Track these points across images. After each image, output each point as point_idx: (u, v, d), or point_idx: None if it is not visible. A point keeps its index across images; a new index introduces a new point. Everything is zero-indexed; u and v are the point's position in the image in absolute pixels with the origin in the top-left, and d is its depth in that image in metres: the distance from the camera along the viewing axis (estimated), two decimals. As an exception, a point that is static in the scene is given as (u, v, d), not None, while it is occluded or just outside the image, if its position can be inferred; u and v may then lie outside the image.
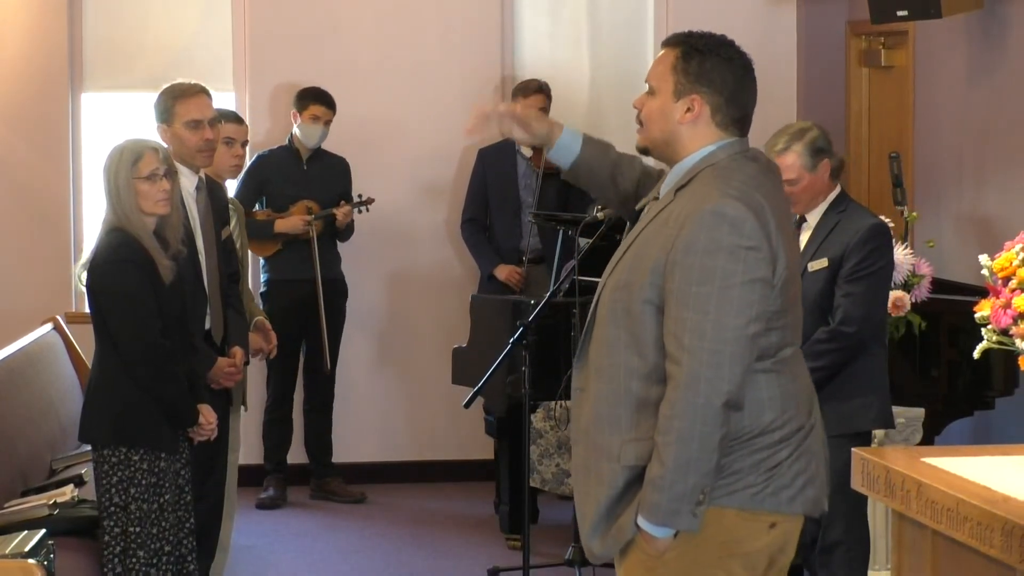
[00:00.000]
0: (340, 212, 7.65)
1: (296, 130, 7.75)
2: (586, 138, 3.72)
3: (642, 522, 3.31)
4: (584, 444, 3.44)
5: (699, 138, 3.43)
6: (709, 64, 3.42)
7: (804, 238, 5.17)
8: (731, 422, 3.28)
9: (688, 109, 3.41)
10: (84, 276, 4.86)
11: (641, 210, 3.56)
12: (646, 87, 3.50)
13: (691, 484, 3.25)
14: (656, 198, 3.50)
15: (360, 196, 7.78)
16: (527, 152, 7.73)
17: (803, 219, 5.19)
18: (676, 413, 3.25)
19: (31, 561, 4.39)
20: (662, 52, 3.49)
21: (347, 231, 7.81)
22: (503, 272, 7.73)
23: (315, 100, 7.73)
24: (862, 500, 5.07)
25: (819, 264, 5.10)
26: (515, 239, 7.79)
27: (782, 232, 3.38)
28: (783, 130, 5.16)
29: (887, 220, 5.67)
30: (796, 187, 5.09)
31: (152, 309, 4.76)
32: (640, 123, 3.49)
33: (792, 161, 5.08)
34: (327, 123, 7.74)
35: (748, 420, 3.33)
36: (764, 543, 3.39)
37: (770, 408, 3.36)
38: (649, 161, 3.69)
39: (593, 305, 3.47)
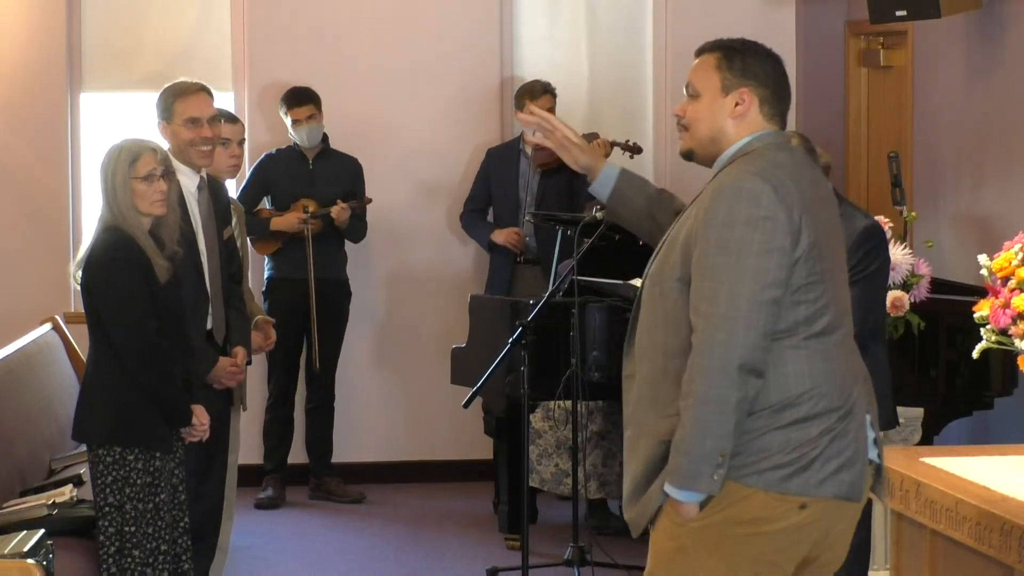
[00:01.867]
0: (335, 211, 7.64)
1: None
2: (624, 170, 3.82)
3: (668, 487, 3.39)
4: (633, 426, 3.54)
5: (743, 130, 3.54)
6: (751, 60, 3.56)
7: None
8: (751, 388, 3.33)
9: (738, 103, 3.53)
10: (79, 275, 4.85)
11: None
12: (687, 94, 3.59)
13: (710, 446, 3.32)
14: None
15: (349, 196, 7.76)
16: (530, 151, 7.73)
17: None
18: (693, 377, 3.33)
19: (30, 561, 4.39)
20: (700, 58, 3.60)
21: (357, 232, 7.79)
22: (501, 235, 7.74)
23: (291, 104, 7.74)
24: (867, 504, 5.04)
25: None
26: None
27: (813, 214, 3.43)
28: None
29: (886, 220, 5.67)
30: None
31: (147, 308, 4.75)
32: (684, 128, 3.59)
33: None
34: (310, 118, 7.72)
35: (772, 392, 3.37)
36: (793, 523, 3.38)
37: (797, 383, 3.38)
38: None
39: (638, 296, 3.57)
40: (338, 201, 7.67)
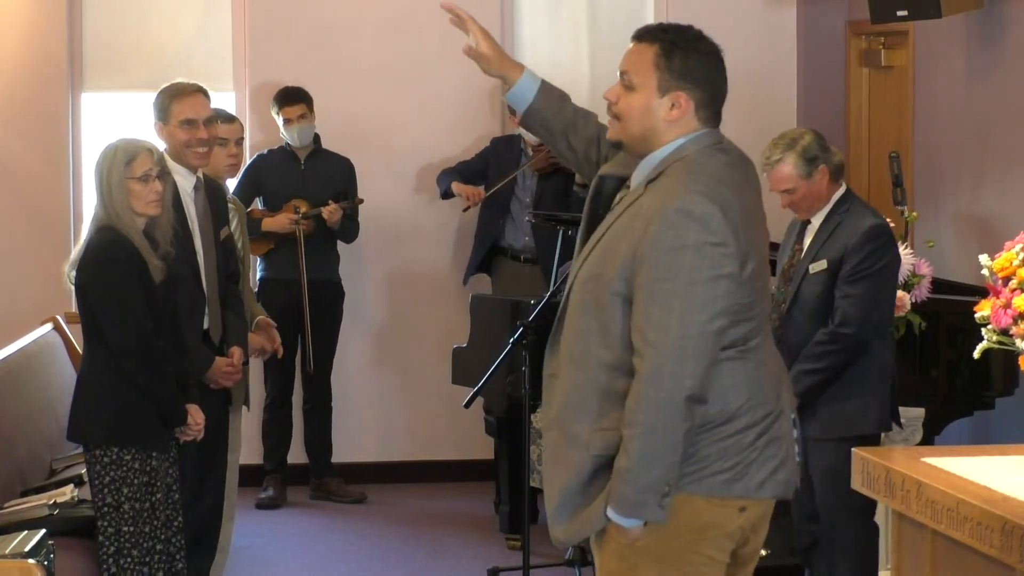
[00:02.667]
0: (326, 211, 7.63)
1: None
2: (543, 86, 3.78)
3: (611, 513, 3.38)
4: (556, 430, 3.51)
5: (676, 131, 3.46)
6: (692, 61, 3.45)
7: (808, 241, 5.18)
8: (696, 416, 3.33)
9: (674, 106, 3.44)
10: (72, 275, 4.85)
11: (605, 178, 3.59)
12: (619, 78, 3.50)
13: (656, 477, 3.31)
14: (627, 187, 3.53)
15: (341, 196, 7.74)
16: (530, 152, 7.74)
17: (807, 222, 5.19)
18: (641, 407, 3.31)
19: (31, 561, 4.39)
20: (637, 46, 3.50)
21: (349, 232, 7.79)
22: (460, 187, 7.76)
23: (283, 103, 7.73)
24: (867, 502, 5.03)
25: (818, 266, 5.11)
26: (496, 231, 7.80)
27: (751, 225, 3.42)
28: (776, 141, 5.15)
29: (887, 220, 5.67)
30: (795, 196, 5.11)
31: (143, 307, 4.76)
32: (615, 116, 3.50)
33: (787, 172, 5.09)
34: (302, 117, 7.71)
35: (715, 408, 3.38)
36: (736, 525, 3.46)
37: (735, 396, 3.40)
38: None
39: (565, 294, 3.53)
40: (329, 201, 7.65)
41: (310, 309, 7.62)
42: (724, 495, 3.41)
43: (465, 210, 7.85)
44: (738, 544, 3.53)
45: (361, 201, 7.77)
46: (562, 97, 3.78)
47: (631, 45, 3.51)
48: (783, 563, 5.91)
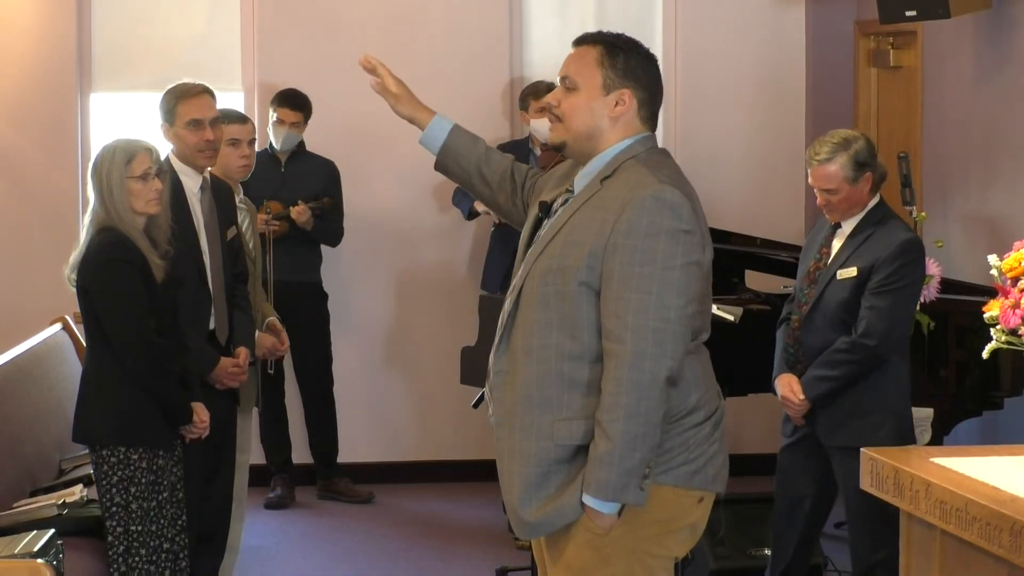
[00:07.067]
0: (295, 211, 7.54)
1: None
2: (456, 127, 3.85)
3: (590, 500, 3.42)
4: (509, 426, 3.57)
5: (620, 131, 3.55)
6: (634, 61, 3.55)
7: (836, 245, 5.15)
8: (670, 398, 3.42)
9: (618, 103, 3.53)
10: (73, 276, 4.85)
11: (548, 205, 3.67)
12: (559, 83, 3.59)
13: (638, 459, 3.38)
14: (569, 190, 3.61)
15: (318, 198, 7.66)
16: (538, 152, 7.74)
17: (838, 226, 5.17)
18: (622, 390, 3.36)
19: (40, 561, 4.39)
20: (579, 49, 3.59)
21: (324, 234, 7.70)
22: (480, 204, 7.73)
23: (280, 103, 7.66)
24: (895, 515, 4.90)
25: (848, 273, 5.08)
26: (516, 234, 7.76)
27: (703, 223, 3.53)
28: (827, 138, 5.10)
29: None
30: (835, 197, 5.07)
31: (147, 307, 4.77)
32: (557, 118, 3.58)
33: (834, 172, 5.04)
34: (293, 125, 7.64)
35: (676, 400, 3.45)
36: (695, 517, 3.56)
37: (695, 388, 3.50)
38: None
39: (517, 290, 3.58)
40: (299, 202, 7.59)
41: (289, 311, 7.52)
42: (687, 486, 3.49)
43: (496, 225, 7.76)
44: (692, 540, 3.62)
45: (329, 202, 7.63)
46: (475, 137, 3.89)
47: (572, 51, 3.61)
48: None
